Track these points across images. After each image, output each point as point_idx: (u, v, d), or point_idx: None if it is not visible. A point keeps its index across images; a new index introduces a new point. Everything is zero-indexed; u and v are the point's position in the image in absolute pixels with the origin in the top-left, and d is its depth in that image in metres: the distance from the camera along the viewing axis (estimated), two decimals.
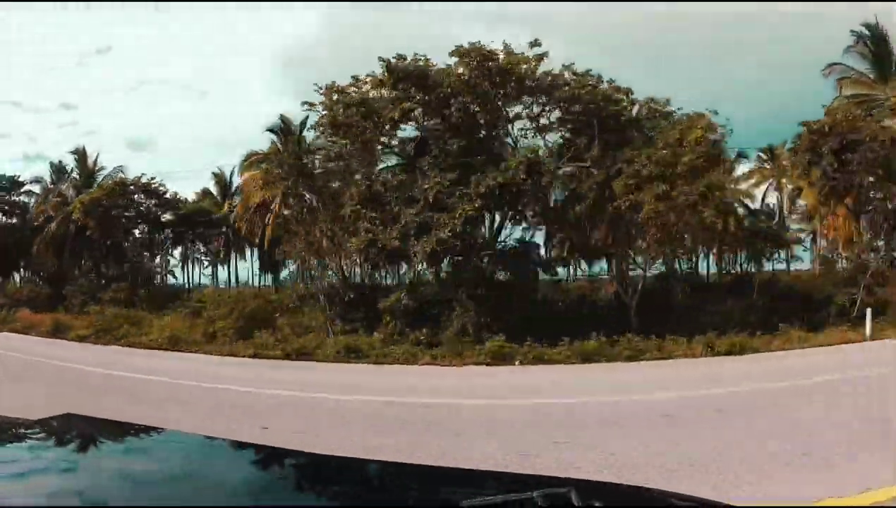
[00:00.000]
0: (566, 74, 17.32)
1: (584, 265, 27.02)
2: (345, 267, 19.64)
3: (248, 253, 35.61)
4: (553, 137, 18.85)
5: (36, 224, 31.10)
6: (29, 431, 1.51)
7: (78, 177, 32.17)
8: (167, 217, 30.84)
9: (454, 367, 13.68)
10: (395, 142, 19.13)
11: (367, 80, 17.64)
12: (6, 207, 32.76)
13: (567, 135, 18.42)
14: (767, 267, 25.13)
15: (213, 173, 35.53)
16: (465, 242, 16.30)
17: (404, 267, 19.88)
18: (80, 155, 32.17)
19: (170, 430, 1.63)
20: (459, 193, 15.80)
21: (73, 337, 19.70)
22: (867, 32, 20.68)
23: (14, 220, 32.65)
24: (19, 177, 33.21)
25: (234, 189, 34.40)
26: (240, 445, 1.57)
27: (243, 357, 15.31)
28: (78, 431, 1.58)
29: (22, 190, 33.43)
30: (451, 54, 16.90)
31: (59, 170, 33.54)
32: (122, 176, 29.84)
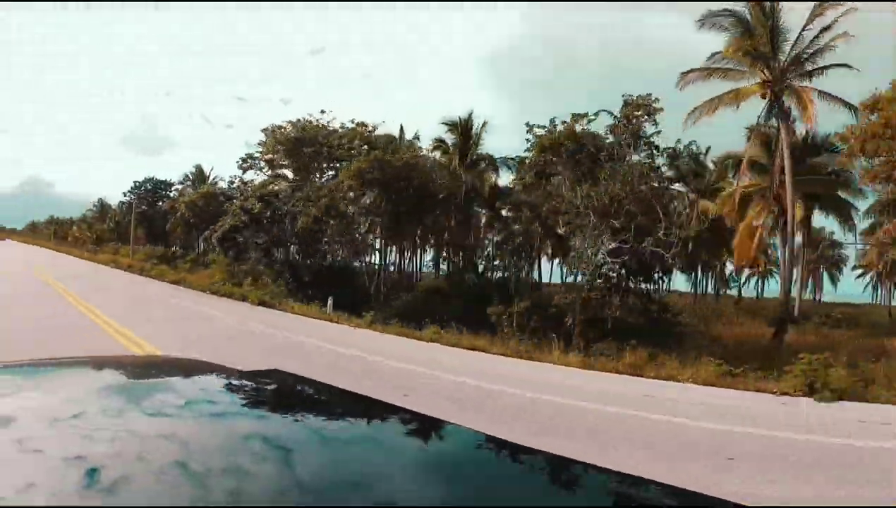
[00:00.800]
0: None
1: None
2: None
3: None
4: None
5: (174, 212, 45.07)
6: (240, 381, 1.53)
7: (194, 182, 49.09)
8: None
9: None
10: None
11: None
12: (160, 200, 50.36)
13: None
14: None
15: None
16: None
17: None
18: (198, 169, 50.33)
19: (377, 401, 1.43)
20: None
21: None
22: None
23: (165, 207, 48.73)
24: (171, 180, 52.30)
25: None
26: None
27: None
28: (281, 385, 1.58)
29: (172, 188, 51.54)
30: None
31: (199, 173, 49.74)
32: (220, 185, 42.11)
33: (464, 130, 26.68)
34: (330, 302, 17.86)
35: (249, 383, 1.53)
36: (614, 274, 16.69)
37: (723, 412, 7.73)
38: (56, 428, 0.96)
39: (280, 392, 1.52)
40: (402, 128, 33.32)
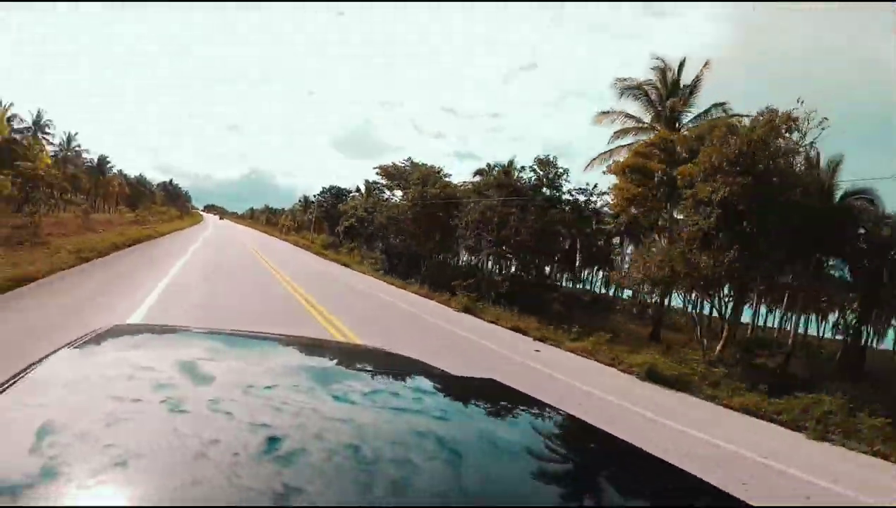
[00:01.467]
0: None
1: None
2: None
3: None
4: None
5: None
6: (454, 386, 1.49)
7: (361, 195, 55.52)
8: None
9: None
10: None
11: None
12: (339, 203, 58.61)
13: None
14: None
15: None
16: None
17: None
18: (368, 185, 53.93)
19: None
20: None
21: None
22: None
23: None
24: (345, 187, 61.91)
25: None
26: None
27: None
28: (494, 394, 1.49)
29: (350, 195, 59.40)
30: None
31: (368, 187, 54.29)
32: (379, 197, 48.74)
33: None
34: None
35: (457, 386, 1.51)
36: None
37: (510, 343, 15.78)
38: (249, 395, 1.02)
39: (492, 400, 1.43)
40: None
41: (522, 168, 29.54)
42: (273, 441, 0.82)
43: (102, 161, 70.20)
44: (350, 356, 1.97)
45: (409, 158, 41.24)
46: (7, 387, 0.96)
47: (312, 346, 2.05)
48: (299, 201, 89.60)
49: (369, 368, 1.64)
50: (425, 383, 1.45)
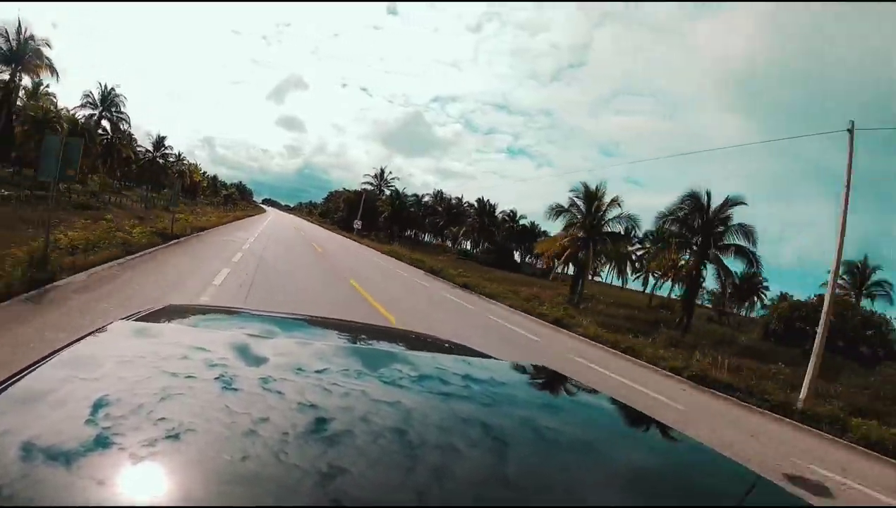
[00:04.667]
0: None
1: None
2: None
3: None
4: None
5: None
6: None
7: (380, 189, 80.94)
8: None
9: None
10: None
11: None
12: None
13: None
14: None
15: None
16: None
17: None
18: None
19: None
20: None
21: None
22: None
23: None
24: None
25: None
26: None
27: None
28: (545, 379, 1.51)
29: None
30: None
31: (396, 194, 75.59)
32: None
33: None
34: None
35: (505, 371, 1.49)
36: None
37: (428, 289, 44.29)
38: (300, 377, 1.05)
39: (541, 387, 1.46)
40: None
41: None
42: (321, 421, 0.85)
43: (160, 143, 69.36)
44: (399, 340, 1.99)
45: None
46: (57, 355, 1.00)
47: (362, 330, 2.12)
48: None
49: (418, 353, 1.64)
50: (474, 369, 1.42)
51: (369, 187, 71.99)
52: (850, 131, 11.98)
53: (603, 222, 30.43)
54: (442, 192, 71.27)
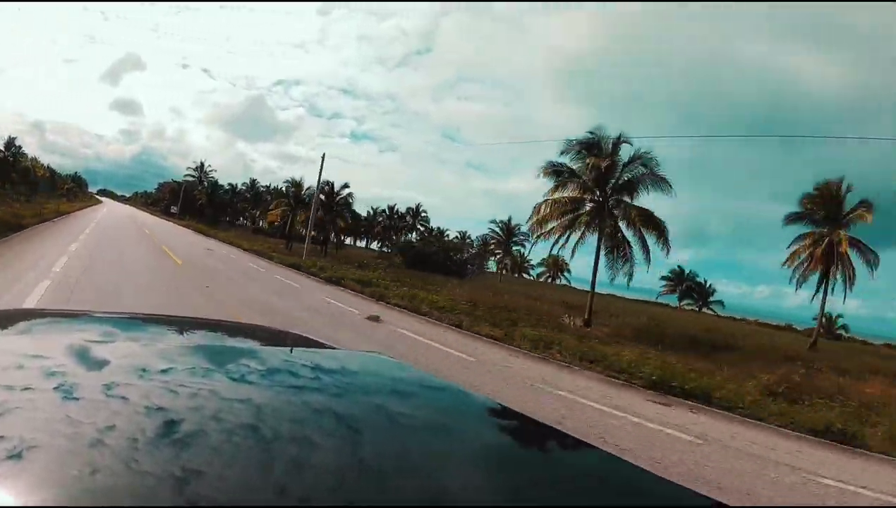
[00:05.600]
0: None
1: None
2: None
3: None
4: None
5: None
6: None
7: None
8: None
9: None
10: None
11: None
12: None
13: None
14: None
15: None
16: None
17: None
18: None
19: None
20: None
21: None
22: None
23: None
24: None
25: None
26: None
27: None
28: (380, 369, 1.56)
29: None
30: None
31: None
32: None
33: None
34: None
35: (349, 361, 1.54)
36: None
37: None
38: (144, 379, 1.01)
39: (383, 374, 1.48)
40: None
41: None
42: (171, 424, 0.82)
43: (11, 144, 66.43)
44: (245, 335, 1.97)
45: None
46: None
47: (207, 327, 2.08)
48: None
49: (264, 347, 1.67)
50: (319, 360, 1.46)
51: (191, 179, 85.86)
52: None
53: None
54: (255, 181, 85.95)
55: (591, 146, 24.41)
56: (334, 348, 1.73)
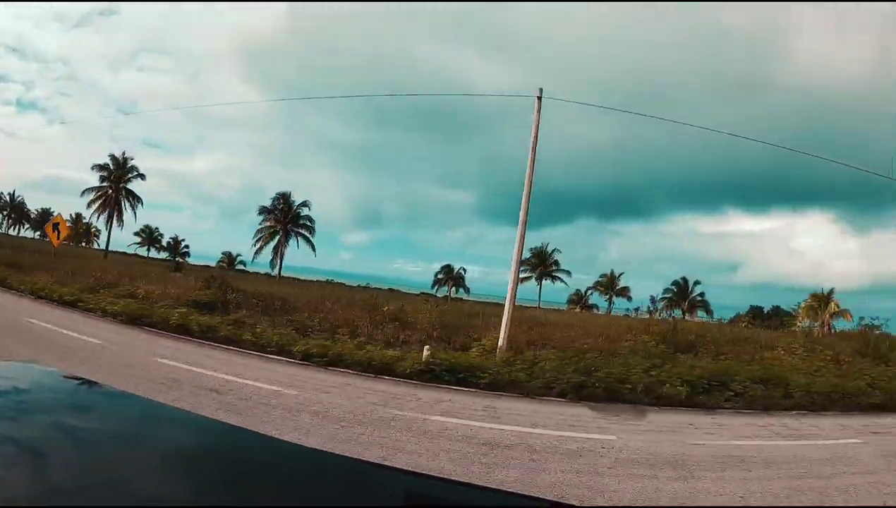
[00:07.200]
0: None
1: None
2: None
3: None
4: None
5: None
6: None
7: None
8: None
9: None
10: None
11: None
12: None
13: None
14: None
15: None
16: None
17: None
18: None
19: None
20: None
21: None
22: None
23: None
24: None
25: None
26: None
27: None
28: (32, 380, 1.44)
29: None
30: None
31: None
32: None
33: None
34: None
35: (22, 375, 1.45)
36: None
37: None
38: None
39: (30, 388, 1.36)
40: None
41: None
42: None
43: None
44: None
45: None
46: None
47: None
48: None
49: None
50: None
51: None
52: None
53: None
54: None
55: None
56: None
